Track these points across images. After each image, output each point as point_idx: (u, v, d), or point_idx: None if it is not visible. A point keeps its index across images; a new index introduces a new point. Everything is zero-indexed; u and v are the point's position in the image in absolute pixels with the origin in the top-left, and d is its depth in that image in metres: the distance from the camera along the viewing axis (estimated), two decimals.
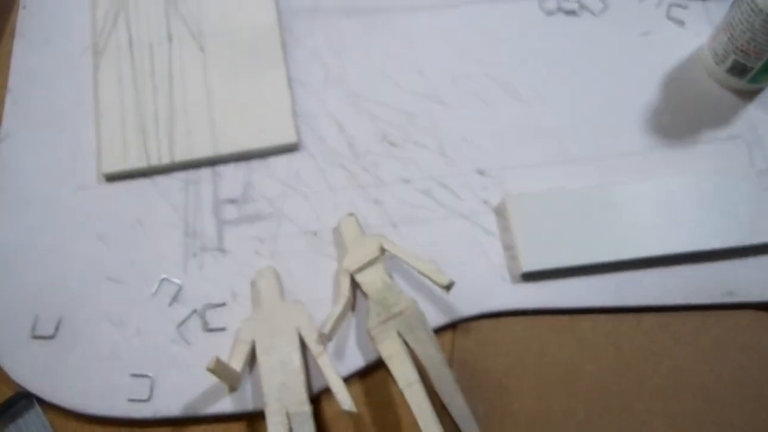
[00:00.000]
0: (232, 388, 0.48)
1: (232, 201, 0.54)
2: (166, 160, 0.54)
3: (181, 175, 0.55)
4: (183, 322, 0.50)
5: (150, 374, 0.48)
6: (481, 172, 0.55)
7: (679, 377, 0.49)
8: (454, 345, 0.50)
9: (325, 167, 0.55)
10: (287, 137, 0.55)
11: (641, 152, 0.55)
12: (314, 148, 0.56)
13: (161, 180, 0.55)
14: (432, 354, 0.47)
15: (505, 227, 0.53)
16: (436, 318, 0.50)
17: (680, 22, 0.61)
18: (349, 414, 0.44)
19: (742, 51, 0.53)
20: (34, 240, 0.53)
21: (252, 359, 0.48)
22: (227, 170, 0.55)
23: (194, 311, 0.50)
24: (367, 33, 0.61)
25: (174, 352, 0.49)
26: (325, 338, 0.47)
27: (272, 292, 0.50)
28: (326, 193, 0.54)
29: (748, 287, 0.51)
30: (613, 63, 0.59)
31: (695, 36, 0.60)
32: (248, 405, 0.48)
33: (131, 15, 0.60)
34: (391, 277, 0.51)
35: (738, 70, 0.55)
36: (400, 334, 0.47)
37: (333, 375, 0.46)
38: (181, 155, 0.55)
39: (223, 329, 0.50)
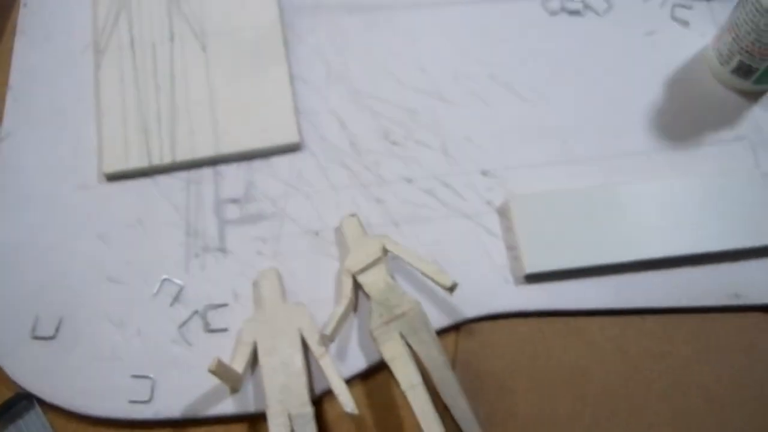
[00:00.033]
0: (234, 390, 0.48)
1: (234, 201, 0.54)
2: (167, 160, 0.54)
3: (182, 175, 0.55)
4: (184, 322, 0.50)
5: (151, 375, 0.48)
6: (484, 173, 0.55)
7: (685, 380, 0.48)
8: (457, 347, 0.49)
9: (327, 166, 0.55)
10: (290, 137, 0.55)
11: (645, 152, 0.55)
12: (316, 146, 0.56)
13: (163, 180, 0.55)
14: (435, 356, 0.46)
15: (508, 228, 0.53)
16: (438, 319, 0.49)
17: (684, 23, 0.60)
18: (351, 416, 0.44)
19: (747, 52, 0.53)
20: (35, 238, 0.53)
21: (254, 360, 0.48)
22: (229, 170, 0.55)
23: (196, 312, 0.50)
24: (369, 30, 0.60)
25: (175, 353, 0.49)
26: (327, 339, 0.46)
27: (274, 293, 0.50)
28: (328, 192, 0.54)
29: (754, 289, 0.50)
30: (617, 63, 0.59)
31: (700, 36, 0.59)
32: (250, 407, 0.47)
33: (133, 14, 0.60)
34: (393, 278, 0.50)
35: (743, 71, 0.55)
36: (402, 336, 0.47)
37: (335, 376, 0.45)
38: (183, 155, 0.54)
39: (224, 330, 0.50)
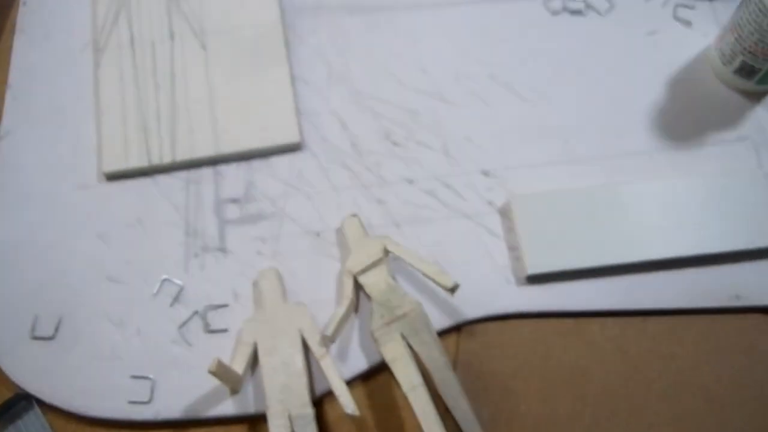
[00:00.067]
0: (234, 391, 0.48)
1: (234, 200, 0.54)
2: (167, 159, 0.54)
3: (182, 175, 0.54)
4: (184, 323, 0.50)
5: (151, 376, 0.48)
6: (485, 173, 0.54)
7: (686, 381, 0.48)
8: (458, 348, 0.49)
9: (328, 167, 0.55)
10: (290, 137, 0.55)
11: (647, 152, 0.55)
12: (317, 147, 0.56)
13: (162, 179, 0.54)
14: (436, 357, 0.46)
15: (509, 228, 0.52)
16: (440, 320, 0.49)
17: (687, 23, 0.60)
18: (352, 417, 0.44)
19: (750, 52, 0.53)
20: (35, 237, 0.53)
21: (255, 361, 0.48)
22: (229, 169, 0.55)
23: (196, 312, 0.50)
24: (370, 31, 0.60)
25: (175, 354, 0.49)
26: (327, 340, 0.46)
27: (274, 293, 0.49)
28: (329, 193, 0.54)
29: (755, 291, 0.50)
30: (619, 63, 0.58)
31: (702, 36, 0.59)
32: (250, 408, 0.47)
33: (133, 12, 0.60)
34: (394, 278, 0.50)
35: (746, 71, 0.55)
36: (403, 337, 0.47)
37: (336, 377, 0.45)
38: (183, 154, 0.54)
39: (224, 330, 0.50)
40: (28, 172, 0.55)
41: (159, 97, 0.56)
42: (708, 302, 0.50)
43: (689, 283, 0.51)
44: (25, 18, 0.61)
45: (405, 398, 0.44)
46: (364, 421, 0.48)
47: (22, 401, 0.48)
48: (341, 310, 0.47)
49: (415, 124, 0.56)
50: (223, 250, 0.52)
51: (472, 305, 0.50)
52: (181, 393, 0.48)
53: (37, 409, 0.48)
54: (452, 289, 0.47)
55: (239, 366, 0.46)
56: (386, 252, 0.50)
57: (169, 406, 0.47)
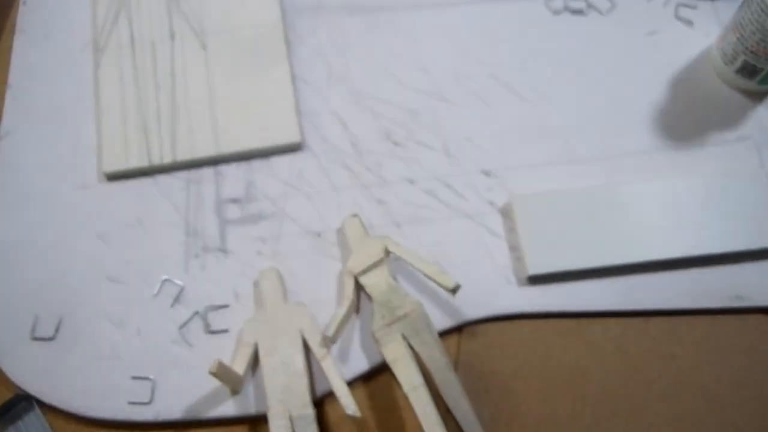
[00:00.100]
0: (235, 392, 0.47)
1: (235, 201, 0.54)
2: (167, 159, 0.54)
3: (182, 175, 0.54)
4: (185, 323, 0.50)
5: (151, 376, 0.48)
6: (486, 173, 0.54)
7: (686, 381, 0.48)
8: (459, 348, 0.49)
9: (328, 167, 0.55)
10: (291, 137, 0.55)
11: (648, 152, 0.55)
12: (317, 147, 0.55)
13: (163, 179, 0.54)
14: (437, 357, 0.46)
15: (510, 228, 0.52)
16: (441, 321, 0.49)
17: (688, 22, 0.60)
18: (352, 418, 0.44)
19: (752, 52, 0.53)
20: (35, 237, 0.52)
21: (255, 361, 0.48)
22: (229, 169, 0.55)
23: (196, 312, 0.50)
24: (370, 31, 0.60)
25: (176, 354, 0.49)
26: (328, 341, 0.46)
27: (275, 293, 0.49)
28: (329, 193, 0.54)
29: (756, 291, 0.50)
30: (620, 62, 0.58)
31: (704, 36, 0.59)
32: (251, 408, 0.47)
33: (133, 12, 0.59)
34: (395, 279, 0.50)
35: (748, 71, 0.54)
36: (404, 337, 0.46)
37: (336, 378, 0.45)
38: (183, 154, 0.54)
39: (225, 331, 0.49)
40: (28, 172, 0.55)
41: (159, 97, 0.56)
42: (709, 302, 0.50)
43: (690, 283, 0.50)
44: (25, 18, 0.61)
45: (406, 399, 0.44)
46: (365, 422, 0.48)
47: (23, 402, 0.48)
48: (342, 311, 0.47)
49: (416, 124, 0.56)
50: (223, 250, 0.52)
51: (473, 306, 0.50)
52: (182, 394, 0.48)
53: (37, 410, 0.48)
54: (453, 290, 0.47)
55: (240, 366, 0.46)
56: (387, 252, 0.50)
57: (169, 407, 0.47)
